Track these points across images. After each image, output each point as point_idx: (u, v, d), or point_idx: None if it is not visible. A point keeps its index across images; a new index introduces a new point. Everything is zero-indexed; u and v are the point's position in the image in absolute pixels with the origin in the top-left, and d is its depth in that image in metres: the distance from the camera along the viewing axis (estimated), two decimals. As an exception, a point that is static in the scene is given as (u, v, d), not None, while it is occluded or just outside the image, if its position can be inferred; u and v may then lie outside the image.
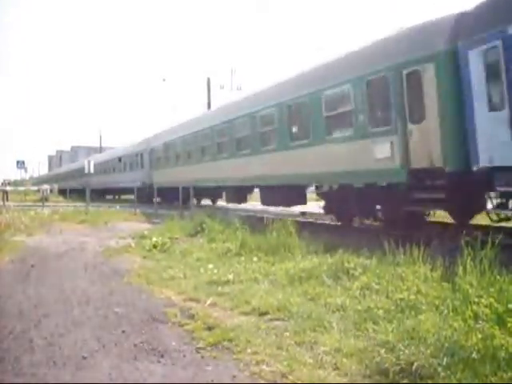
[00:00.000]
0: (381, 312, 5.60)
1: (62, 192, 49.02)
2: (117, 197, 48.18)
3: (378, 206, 13.39)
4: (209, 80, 43.06)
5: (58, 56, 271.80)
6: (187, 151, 25.54)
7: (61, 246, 13.39)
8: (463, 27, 9.73)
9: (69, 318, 6.44)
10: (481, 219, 11.57)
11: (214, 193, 26.67)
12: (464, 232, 7.56)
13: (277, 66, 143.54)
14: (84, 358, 5.00)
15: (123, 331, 5.83)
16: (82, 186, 46.89)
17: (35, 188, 46.77)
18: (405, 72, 10.80)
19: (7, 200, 31.31)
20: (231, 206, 25.82)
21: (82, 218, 21.91)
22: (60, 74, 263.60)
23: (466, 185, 9.90)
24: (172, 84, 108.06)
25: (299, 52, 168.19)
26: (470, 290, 5.39)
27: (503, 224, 10.62)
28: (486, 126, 9.03)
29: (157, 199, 26.53)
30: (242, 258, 9.73)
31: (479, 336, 4.31)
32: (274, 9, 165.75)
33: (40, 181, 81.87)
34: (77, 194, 44.21)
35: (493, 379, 3.84)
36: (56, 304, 7.23)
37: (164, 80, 77.24)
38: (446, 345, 4.31)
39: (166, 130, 31.31)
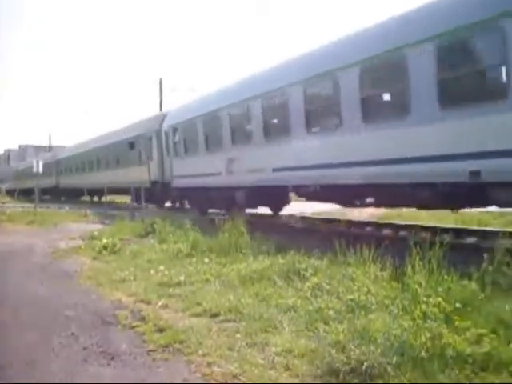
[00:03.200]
0: (332, 312, 5.62)
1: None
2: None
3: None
4: (161, 80, 44.12)
5: (8, 52, 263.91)
6: None
7: (8, 247, 13.03)
8: None
9: (16, 321, 6.25)
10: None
11: None
12: (413, 232, 7.70)
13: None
14: (33, 361, 4.86)
15: (73, 333, 5.70)
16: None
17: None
18: None
19: None
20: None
21: (31, 218, 21.43)
22: (8, 70, 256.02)
23: None
24: (123, 84, 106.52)
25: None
26: (419, 290, 5.46)
27: (451, 225, 10.86)
28: None
29: None
30: (194, 259, 9.63)
31: (428, 335, 4.38)
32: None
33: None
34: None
35: (441, 377, 3.91)
36: (2, 306, 7.01)
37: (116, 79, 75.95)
38: (396, 344, 4.35)
39: None
